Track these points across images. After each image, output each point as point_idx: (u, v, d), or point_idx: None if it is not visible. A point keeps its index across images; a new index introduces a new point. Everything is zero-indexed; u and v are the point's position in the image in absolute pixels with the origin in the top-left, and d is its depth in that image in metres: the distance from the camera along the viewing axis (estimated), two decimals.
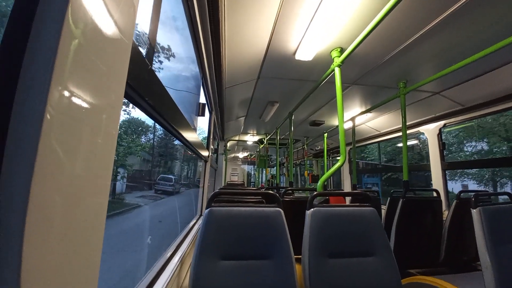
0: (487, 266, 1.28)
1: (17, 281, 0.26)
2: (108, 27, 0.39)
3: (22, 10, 0.31)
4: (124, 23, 0.44)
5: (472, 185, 13.63)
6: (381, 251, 1.26)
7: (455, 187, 14.01)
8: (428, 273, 1.99)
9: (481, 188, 13.32)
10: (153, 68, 0.73)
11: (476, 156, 13.13)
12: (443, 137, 3.00)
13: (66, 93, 0.32)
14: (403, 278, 1.72)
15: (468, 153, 13.80)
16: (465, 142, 13.89)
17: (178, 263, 1.27)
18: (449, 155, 13.82)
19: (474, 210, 1.40)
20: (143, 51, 0.69)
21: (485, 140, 12.84)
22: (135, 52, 0.55)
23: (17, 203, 0.27)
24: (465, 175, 13.84)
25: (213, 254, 1.11)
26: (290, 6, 1.47)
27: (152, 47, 0.86)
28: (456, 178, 14.21)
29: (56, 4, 0.31)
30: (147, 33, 0.87)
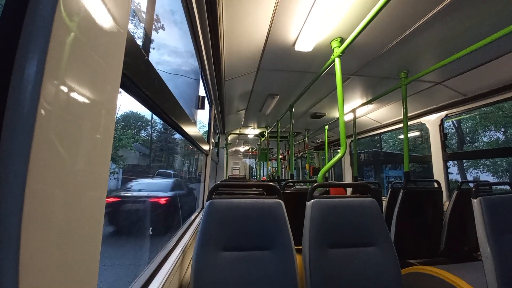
0: (487, 256, 1.28)
1: (16, 276, 0.26)
2: (101, 16, 0.39)
3: (14, 2, 0.31)
4: (118, 12, 0.44)
5: (486, 176, 13.44)
6: (381, 241, 1.27)
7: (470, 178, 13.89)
8: (428, 263, 2.00)
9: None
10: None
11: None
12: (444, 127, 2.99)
13: (60, 86, 0.31)
14: (403, 268, 1.74)
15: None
16: (481, 131, 13.43)
17: (180, 254, 1.28)
18: (464, 146, 13.60)
19: (475, 200, 1.40)
20: (139, 41, 0.68)
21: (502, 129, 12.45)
22: (130, 42, 0.54)
23: (13, 198, 0.27)
24: (481, 166, 13.67)
25: (214, 245, 1.12)
26: None
27: (149, 38, 0.85)
28: (470, 169, 14.07)
29: None
30: (143, 24, 0.86)
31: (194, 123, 1.71)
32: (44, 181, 0.29)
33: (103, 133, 0.41)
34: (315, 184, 1.42)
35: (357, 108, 3.47)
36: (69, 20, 0.32)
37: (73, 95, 0.34)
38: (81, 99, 0.35)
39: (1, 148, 0.28)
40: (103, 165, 0.42)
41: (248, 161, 15.28)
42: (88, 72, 0.37)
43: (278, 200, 1.27)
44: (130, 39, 0.55)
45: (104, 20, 0.40)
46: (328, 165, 1.86)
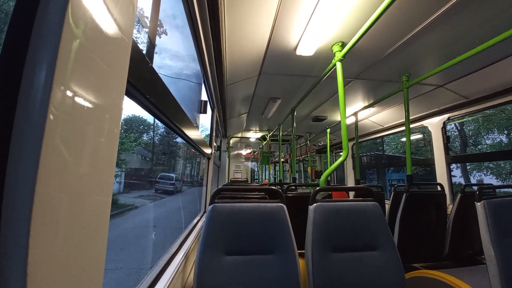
0: (491, 259, 1.27)
1: (24, 278, 0.27)
2: (107, 25, 0.40)
3: (23, 11, 0.31)
4: (124, 21, 0.44)
5: (490, 179, 13.35)
6: (384, 245, 1.27)
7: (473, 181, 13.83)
8: (432, 267, 1.99)
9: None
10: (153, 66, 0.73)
11: None
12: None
13: (68, 93, 0.32)
14: (407, 272, 1.72)
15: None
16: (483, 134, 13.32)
17: (182, 258, 1.28)
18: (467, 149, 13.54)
19: (478, 204, 1.39)
20: (143, 49, 0.69)
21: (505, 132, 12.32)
22: (135, 50, 0.55)
23: (23, 201, 0.27)
24: (485, 169, 13.60)
25: (217, 249, 1.12)
26: (290, 0, 1.46)
27: (153, 45, 0.86)
28: (474, 172, 14.01)
29: (56, 4, 0.31)
30: (147, 29, 0.87)
31: (196, 127, 1.72)
32: (51, 185, 0.30)
33: (109, 138, 0.42)
34: (318, 188, 1.42)
35: (359, 111, 3.48)
36: (77, 28, 0.33)
37: (81, 101, 0.34)
38: (88, 105, 0.36)
39: (12, 153, 0.28)
40: (108, 169, 0.42)
41: (250, 164, 15.28)
42: (95, 80, 0.38)
43: (281, 204, 1.27)
44: (135, 47, 0.56)
45: (110, 28, 0.41)
46: (330, 168, 1.86)
